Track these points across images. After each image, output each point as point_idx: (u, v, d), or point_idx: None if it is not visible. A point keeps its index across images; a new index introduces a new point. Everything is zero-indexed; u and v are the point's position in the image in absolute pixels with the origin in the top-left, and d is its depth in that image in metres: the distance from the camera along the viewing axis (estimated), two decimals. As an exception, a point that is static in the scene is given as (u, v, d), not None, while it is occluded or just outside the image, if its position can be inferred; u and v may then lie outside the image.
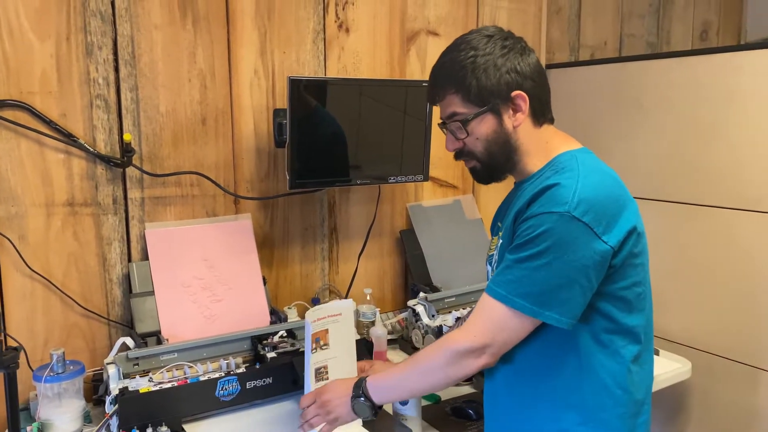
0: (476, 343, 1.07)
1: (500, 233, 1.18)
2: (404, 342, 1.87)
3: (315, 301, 1.87)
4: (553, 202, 1.03)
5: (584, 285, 1.04)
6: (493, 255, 1.21)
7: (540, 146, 1.14)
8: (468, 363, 1.08)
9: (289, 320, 1.66)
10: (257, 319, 1.64)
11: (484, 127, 1.13)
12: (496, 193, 2.23)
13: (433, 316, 1.76)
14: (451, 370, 1.09)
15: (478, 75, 1.10)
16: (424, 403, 1.52)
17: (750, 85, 1.72)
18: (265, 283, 1.70)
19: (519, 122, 1.12)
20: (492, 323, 1.07)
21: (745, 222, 1.74)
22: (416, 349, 1.80)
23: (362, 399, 1.16)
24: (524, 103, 1.11)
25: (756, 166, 1.72)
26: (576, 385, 1.08)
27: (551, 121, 1.17)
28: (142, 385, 1.28)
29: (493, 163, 1.16)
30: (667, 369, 1.75)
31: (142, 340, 1.50)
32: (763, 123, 1.70)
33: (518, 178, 1.19)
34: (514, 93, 1.10)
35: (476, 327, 1.08)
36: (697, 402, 1.90)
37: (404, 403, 1.36)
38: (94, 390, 1.49)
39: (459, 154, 1.20)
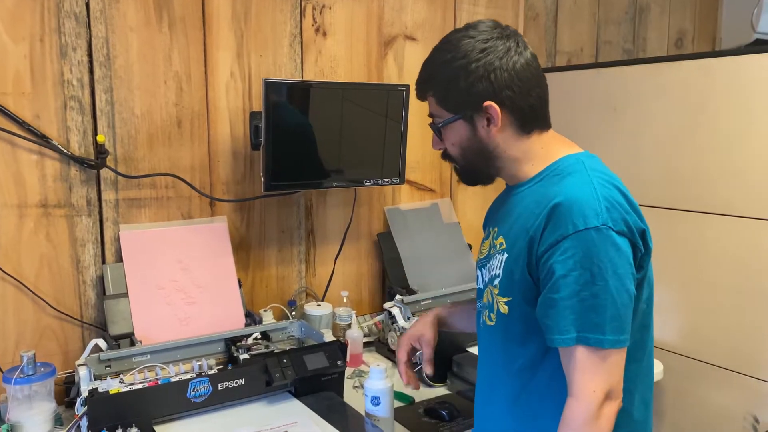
0: (599, 397, 0.95)
1: (497, 240, 1.10)
2: (380, 344, 1.87)
3: (291, 304, 1.87)
4: (583, 216, 0.95)
5: (633, 298, 0.98)
6: (488, 262, 1.13)
7: (532, 153, 1.08)
8: (605, 416, 0.95)
9: (264, 323, 1.66)
10: (232, 322, 1.64)
11: (456, 134, 1.09)
12: (474, 197, 2.25)
13: (408, 318, 1.77)
14: None
15: (450, 81, 1.05)
16: (397, 404, 1.52)
17: (722, 91, 1.75)
18: (240, 286, 1.70)
19: (494, 133, 1.06)
20: (595, 373, 0.95)
21: (716, 226, 1.77)
22: (392, 352, 1.80)
23: None
24: (497, 116, 1.04)
25: (726, 171, 1.75)
26: None
27: (546, 127, 1.10)
28: (112, 386, 1.28)
29: (473, 168, 1.12)
30: (640, 370, 1.76)
31: (115, 342, 1.49)
32: (734, 128, 1.73)
33: (511, 181, 1.13)
34: (486, 103, 1.03)
35: (584, 385, 0.95)
36: (670, 404, 1.92)
37: (376, 403, 1.36)
38: (67, 392, 1.48)
39: (444, 155, 1.16)
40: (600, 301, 0.94)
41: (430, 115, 1.12)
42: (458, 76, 1.03)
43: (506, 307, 1.07)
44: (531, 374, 1.07)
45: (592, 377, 0.95)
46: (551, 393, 1.05)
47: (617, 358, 0.96)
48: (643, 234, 1.02)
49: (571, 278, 0.95)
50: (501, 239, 1.09)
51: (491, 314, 1.11)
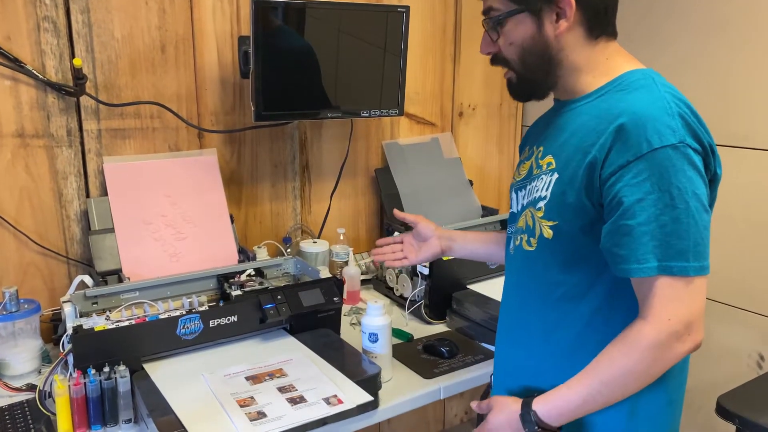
0: (672, 327, 0.88)
1: (543, 160, 1.01)
2: (378, 282, 1.83)
3: (287, 241, 1.81)
4: (658, 133, 0.87)
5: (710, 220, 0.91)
6: (528, 183, 1.05)
7: (595, 63, 0.98)
8: (674, 350, 0.89)
9: (258, 260, 1.61)
10: (224, 258, 1.58)
11: (519, 30, 0.96)
12: (475, 132, 2.16)
13: (407, 255, 1.71)
14: (656, 368, 0.90)
15: None
16: (395, 341, 1.48)
17: (743, 11, 1.64)
18: (232, 222, 1.63)
19: (562, 30, 0.94)
20: (674, 300, 0.88)
21: (730, 159, 1.69)
22: (390, 289, 1.76)
23: (537, 429, 0.96)
24: (570, 9, 0.92)
25: (744, 100, 1.66)
26: None
27: (614, 35, 0.99)
28: (98, 323, 1.22)
29: (530, 76, 1.00)
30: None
31: (102, 278, 1.44)
32: (755, 53, 1.63)
33: (565, 96, 1.02)
34: None
35: (660, 310, 0.88)
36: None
37: (374, 340, 1.32)
38: (55, 330, 1.44)
39: (494, 60, 1.03)
40: (683, 225, 0.87)
41: (486, 11, 1.00)
42: None
43: (550, 231, 0.98)
44: (572, 306, 1.00)
45: (670, 304, 0.88)
46: (592, 328, 0.99)
47: (700, 286, 0.89)
48: (714, 154, 0.94)
49: (648, 202, 0.87)
50: (549, 158, 1.00)
51: (531, 239, 1.02)
